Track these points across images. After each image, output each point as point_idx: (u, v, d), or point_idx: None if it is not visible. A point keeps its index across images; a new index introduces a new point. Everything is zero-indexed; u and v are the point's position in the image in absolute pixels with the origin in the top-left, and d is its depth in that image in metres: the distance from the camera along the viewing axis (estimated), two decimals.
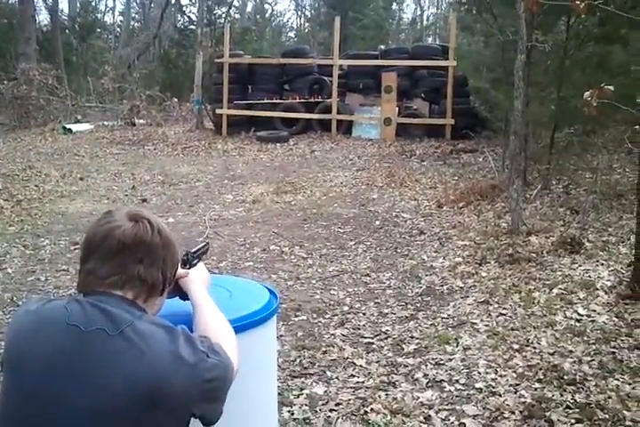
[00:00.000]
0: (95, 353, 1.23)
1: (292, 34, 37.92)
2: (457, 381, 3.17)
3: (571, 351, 3.39)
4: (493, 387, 3.09)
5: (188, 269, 1.68)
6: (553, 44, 7.20)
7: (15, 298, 4.54)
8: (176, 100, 17.35)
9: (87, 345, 1.24)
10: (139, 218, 1.38)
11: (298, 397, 3.10)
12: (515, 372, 3.22)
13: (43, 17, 29.13)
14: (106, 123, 15.70)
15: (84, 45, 25.64)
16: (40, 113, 16.17)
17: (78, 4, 30.58)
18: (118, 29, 33.36)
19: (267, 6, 37.75)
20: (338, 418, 2.88)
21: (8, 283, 4.92)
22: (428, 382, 3.17)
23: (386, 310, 4.21)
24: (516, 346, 3.51)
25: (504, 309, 4.06)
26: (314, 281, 4.88)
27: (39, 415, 1.23)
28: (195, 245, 1.79)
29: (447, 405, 2.96)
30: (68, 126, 14.74)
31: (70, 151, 11.87)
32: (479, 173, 8.86)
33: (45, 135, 13.89)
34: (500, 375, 3.19)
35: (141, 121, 15.49)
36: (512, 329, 3.74)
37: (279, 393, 2.98)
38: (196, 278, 1.65)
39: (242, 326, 1.72)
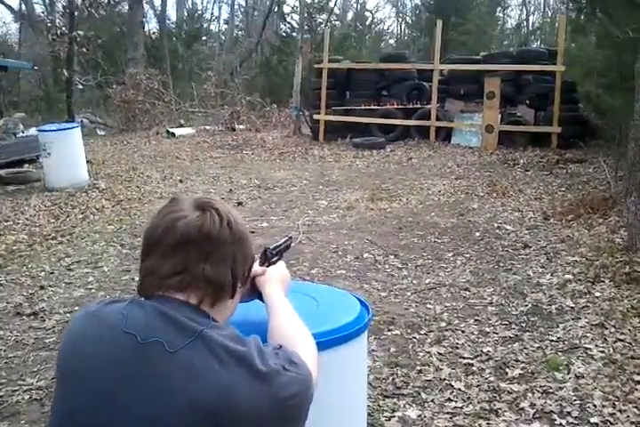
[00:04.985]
0: (153, 367, 1.08)
1: (391, 40, 37.62)
2: (569, 413, 2.85)
3: None
4: (611, 423, 2.76)
5: (267, 266, 1.50)
6: None
7: (109, 297, 4.58)
8: (275, 105, 17.56)
9: (144, 358, 1.09)
10: (206, 207, 1.20)
11: (389, 419, 2.88)
12: (636, 407, 2.87)
13: (152, 25, 30.51)
14: (207, 127, 16.07)
15: (189, 52, 26.46)
16: (145, 117, 16.79)
17: (185, 13, 31.70)
18: (223, 37, 34.25)
19: (367, 14, 37.69)
20: None
21: (103, 281, 4.98)
22: (535, 413, 2.87)
23: (487, 329, 3.90)
24: (637, 377, 3.14)
25: (622, 333, 3.67)
26: (408, 293, 4.63)
27: (97, 422, 1.10)
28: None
29: None
30: (171, 130, 15.20)
31: (172, 154, 12.17)
32: (589, 184, 8.28)
33: (150, 138, 14.37)
34: (620, 410, 2.85)
35: (241, 126, 15.74)
36: (632, 357, 3.36)
37: (369, 414, 2.77)
38: (273, 278, 1.45)
39: (331, 340, 1.54)
